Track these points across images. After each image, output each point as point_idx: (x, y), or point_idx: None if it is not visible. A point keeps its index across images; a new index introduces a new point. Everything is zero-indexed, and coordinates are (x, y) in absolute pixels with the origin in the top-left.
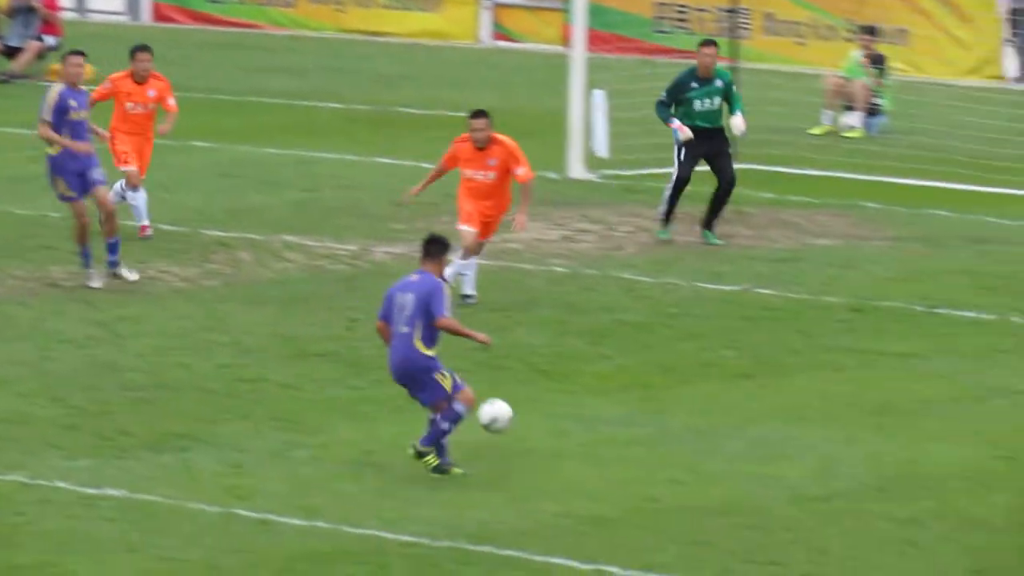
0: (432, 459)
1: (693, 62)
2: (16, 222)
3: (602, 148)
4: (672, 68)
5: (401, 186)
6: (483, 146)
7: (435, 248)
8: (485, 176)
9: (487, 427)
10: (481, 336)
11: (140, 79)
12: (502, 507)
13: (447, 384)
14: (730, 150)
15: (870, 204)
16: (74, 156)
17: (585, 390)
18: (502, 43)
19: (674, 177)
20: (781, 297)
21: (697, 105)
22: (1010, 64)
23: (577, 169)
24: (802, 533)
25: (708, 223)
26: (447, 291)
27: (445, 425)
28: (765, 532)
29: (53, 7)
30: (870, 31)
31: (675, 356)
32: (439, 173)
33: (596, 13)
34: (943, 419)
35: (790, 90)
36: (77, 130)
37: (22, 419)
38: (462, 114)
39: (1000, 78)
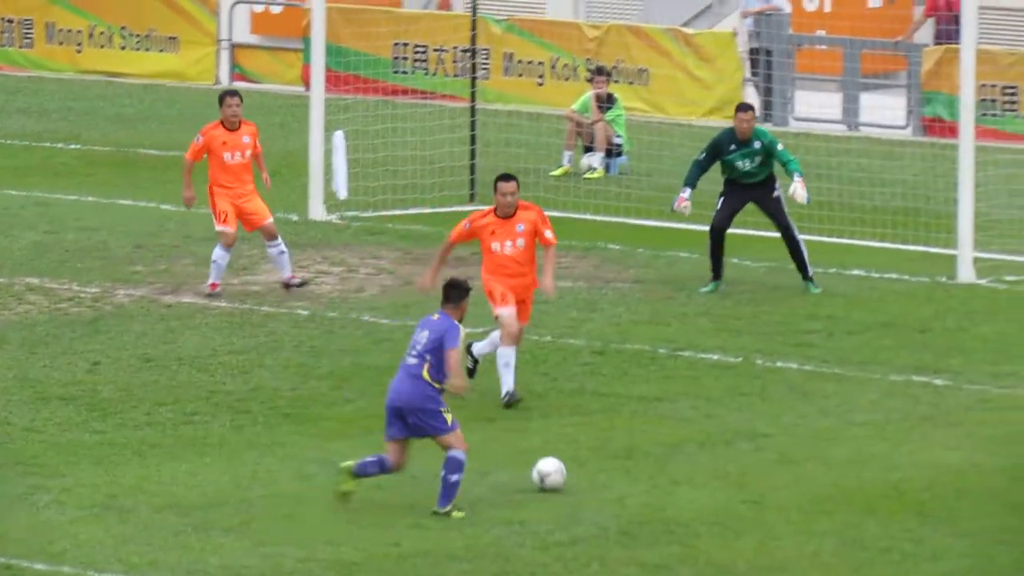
0: (458, 512)
1: (436, 102)
2: None
3: (342, 189)
4: (412, 109)
5: (143, 227)
6: (511, 213)
7: (455, 293)
8: (515, 247)
9: (542, 481)
10: (463, 385)
11: (232, 126)
12: (246, 552)
13: (448, 419)
14: (775, 195)
15: (612, 246)
16: None
17: (328, 433)
18: (241, 84)
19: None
20: (524, 340)
21: (739, 165)
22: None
23: (317, 210)
24: None
25: (803, 274)
26: (463, 333)
27: (454, 478)
28: None
29: None
30: (600, 71)
31: None
32: (446, 252)
33: (335, 53)
34: (689, 463)
35: (530, 131)
36: None
37: None
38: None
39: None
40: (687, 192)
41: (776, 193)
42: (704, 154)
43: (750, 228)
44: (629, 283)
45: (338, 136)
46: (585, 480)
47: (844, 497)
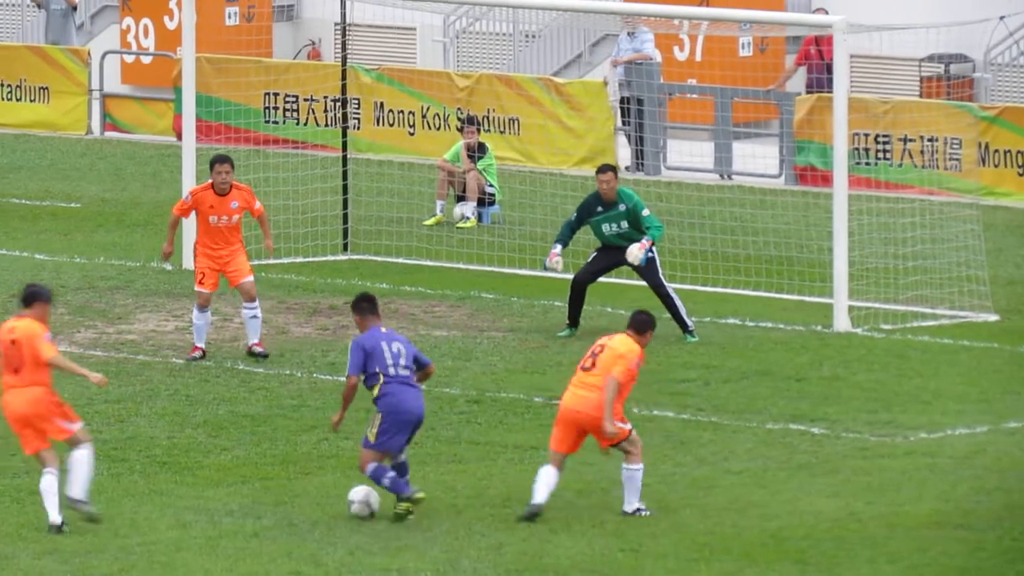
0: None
1: (308, 152)
2: None
3: None
4: (285, 158)
5: (17, 276)
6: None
7: (369, 305)
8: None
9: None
10: None
11: (221, 191)
12: None
13: None
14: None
15: (486, 295)
16: None
17: (206, 482)
18: (113, 134)
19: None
20: None
21: (605, 229)
22: (622, 153)
23: (190, 259)
24: None
25: (681, 328)
26: None
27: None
28: None
29: None
30: (471, 121)
31: (294, 447)
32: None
33: (205, 103)
34: (567, 511)
35: (403, 180)
36: None
37: None
38: (74, 205)
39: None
40: (558, 248)
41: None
42: (574, 215)
43: (624, 278)
44: (504, 332)
45: None
46: (463, 527)
47: (722, 545)
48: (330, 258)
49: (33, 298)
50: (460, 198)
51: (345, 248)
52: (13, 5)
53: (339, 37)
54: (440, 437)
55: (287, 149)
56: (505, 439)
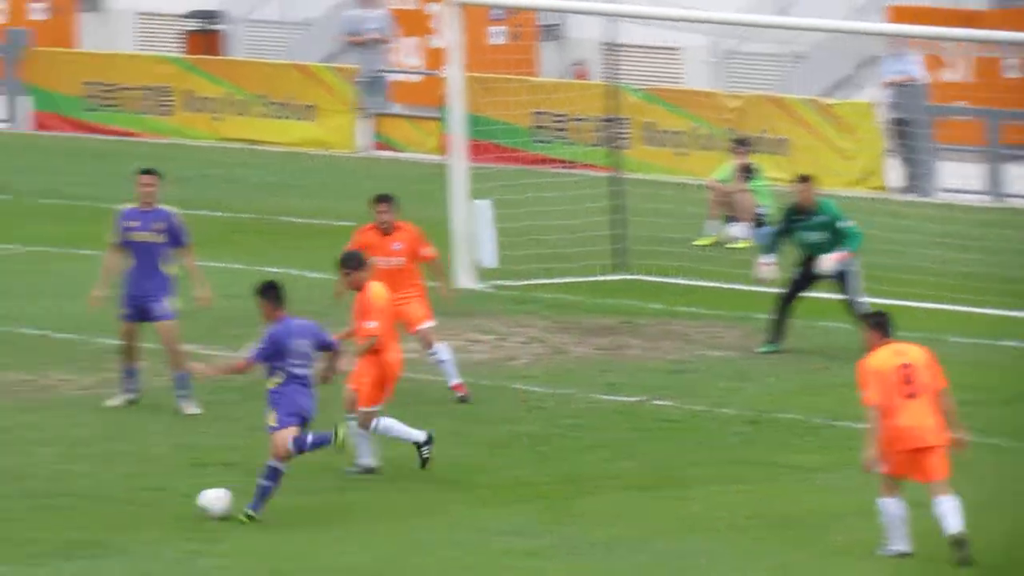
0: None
1: (576, 171)
2: None
3: (489, 258)
4: (553, 178)
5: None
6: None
7: (275, 293)
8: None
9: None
10: None
11: (384, 231)
12: None
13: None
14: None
15: (761, 315)
16: (136, 281)
17: (483, 501)
18: (381, 152)
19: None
20: (678, 409)
21: (805, 237)
22: (893, 175)
23: (464, 279)
24: None
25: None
26: None
27: (271, 483)
28: None
29: None
30: (742, 142)
31: (574, 467)
32: None
33: (474, 122)
34: (849, 533)
35: (673, 200)
36: (138, 251)
37: None
38: (345, 223)
39: (883, 189)
40: (769, 258)
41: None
42: (780, 223)
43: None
44: (781, 353)
45: (483, 205)
46: (745, 548)
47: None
48: (601, 278)
49: None
50: (731, 219)
51: (616, 268)
52: (279, 24)
53: (605, 57)
54: (719, 457)
55: (555, 168)
56: (786, 459)
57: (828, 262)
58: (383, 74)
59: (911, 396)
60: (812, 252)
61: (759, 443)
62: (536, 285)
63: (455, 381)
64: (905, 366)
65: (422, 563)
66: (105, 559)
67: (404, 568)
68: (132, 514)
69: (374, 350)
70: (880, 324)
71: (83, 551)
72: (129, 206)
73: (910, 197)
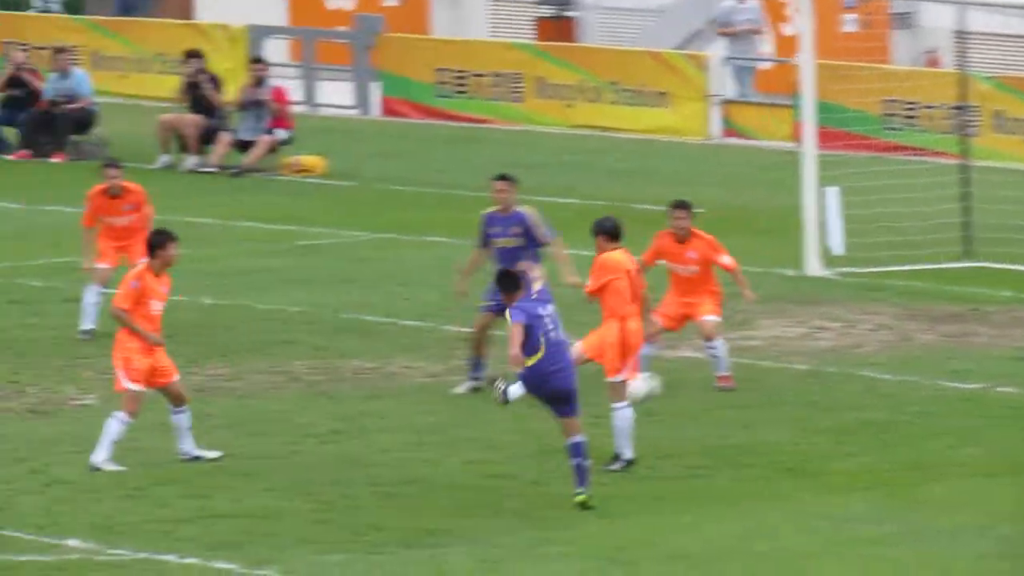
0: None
1: (926, 159)
2: (255, 316)
3: (838, 245)
4: (904, 165)
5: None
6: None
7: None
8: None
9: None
10: None
11: (680, 238)
12: None
13: None
14: None
15: None
16: None
17: (831, 488)
18: (732, 140)
19: None
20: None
21: None
22: None
23: (813, 266)
24: None
25: None
26: None
27: (589, 462)
28: None
29: (283, 101)
30: None
31: (920, 454)
32: None
33: (825, 110)
34: None
35: (1022, 188)
36: (501, 256)
37: (272, 514)
38: (699, 210)
39: None
40: None
41: None
42: None
43: None
44: None
45: (833, 192)
46: None
47: None
48: (949, 265)
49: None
50: None
51: (965, 255)
52: (631, 11)
53: (956, 45)
54: None
55: (905, 156)
56: None
57: None
58: (752, 63)
59: None
60: None
61: None
62: (883, 272)
63: (723, 373)
64: None
65: (766, 550)
66: (449, 547)
67: (747, 555)
68: (477, 501)
69: (620, 316)
70: None
71: (426, 539)
72: (491, 210)
73: None
